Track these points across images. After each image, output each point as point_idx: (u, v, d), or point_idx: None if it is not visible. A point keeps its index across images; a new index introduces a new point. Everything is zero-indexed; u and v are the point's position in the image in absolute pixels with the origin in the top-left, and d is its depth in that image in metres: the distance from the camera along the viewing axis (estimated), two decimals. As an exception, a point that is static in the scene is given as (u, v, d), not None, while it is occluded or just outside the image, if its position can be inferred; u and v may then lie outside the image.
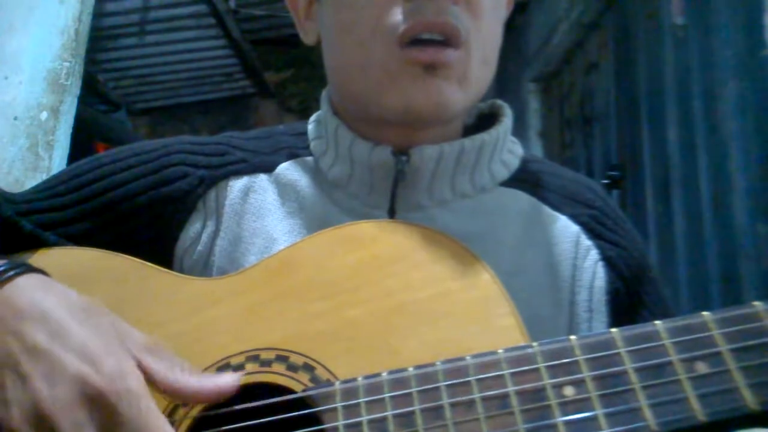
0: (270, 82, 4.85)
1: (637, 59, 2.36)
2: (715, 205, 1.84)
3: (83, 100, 2.04)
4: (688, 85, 2.00)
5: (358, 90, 0.63)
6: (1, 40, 1.86)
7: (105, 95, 4.18)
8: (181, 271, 0.65)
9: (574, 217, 0.67)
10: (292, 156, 0.69)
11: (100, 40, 3.78)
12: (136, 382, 0.45)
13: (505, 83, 3.45)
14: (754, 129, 1.69)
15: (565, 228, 0.66)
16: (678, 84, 2.08)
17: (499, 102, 0.71)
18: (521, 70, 3.28)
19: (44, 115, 1.83)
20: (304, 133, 0.71)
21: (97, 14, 2.82)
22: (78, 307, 0.50)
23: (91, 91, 3.76)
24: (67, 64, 1.88)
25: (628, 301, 0.65)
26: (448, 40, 0.59)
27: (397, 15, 0.59)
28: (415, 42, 0.59)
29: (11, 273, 0.51)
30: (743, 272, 1.69)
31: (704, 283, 1.86)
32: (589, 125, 2.80)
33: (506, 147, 0.69)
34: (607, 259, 0.65)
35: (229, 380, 0.48)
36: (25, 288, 0.50)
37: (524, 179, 0.68)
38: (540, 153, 3.20)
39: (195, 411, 0.52)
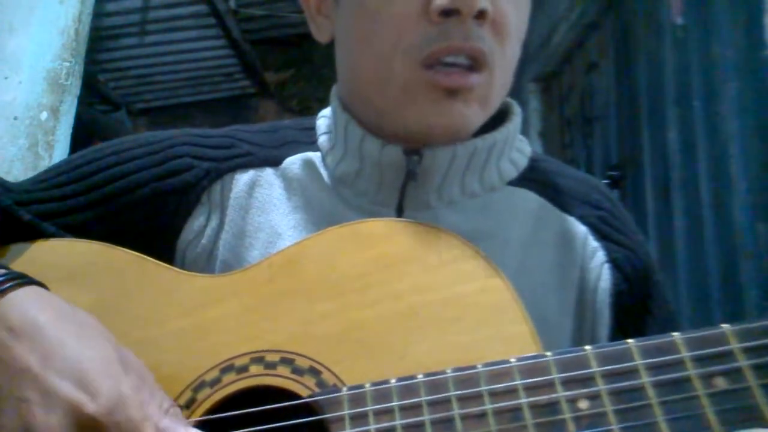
0: (270, 82, 4.85)
1: (637, 59, 2.35)
2: (715, 205, 1.83)
3: (83, 100, 2.04)
4: (688, 85, 2.00)
5: (376, 102, 0.63)
6: (1, 40, 1.85)
7: (105, 95, 4.18)
8: (184, 264, 0.65)
9: (582, 218, 0.66)
10: (299, 150, 0.68)
11: (100, 40, 3.78)
12: (135, 409, 0.44)
13: (504, 83, 3.44)
14: (754, 129, 1.69)
15: (574, 229, 0.66)
16: (678, 84, 2.07)
17: (508, 100, 0.70)
18: (521, 70, 3.27)
19: (44, 115, 1.82)
20: (312, 128, 0.71)
21: (97, 14, 2.81)
22: (73, 324, 0.49)
23: (91, 91, 3.76)
24: (67, 64, 1.87)
25: (632, 304, 0.65)
26: (472, 63, 0.58)
27: (420, 35, 0.57)
28: (438, 63, 0.57)
29: (8, 285, 0.50)
30: (743, 272, 1.68)
31: (704, 283, 1.85)
32: (589, 125, 2.80)
33: (515, 145, 0.68)
34: (613, 261, 0.65)
35: None
36: (20, 303, 0.49)
37: (533, 178, 0.68)
38: (540, 153, 3.19)
39: (197, 414, 0.52)
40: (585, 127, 2.83)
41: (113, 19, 3.76)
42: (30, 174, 1.76)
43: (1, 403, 0.45)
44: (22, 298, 0.50)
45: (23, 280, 0.51)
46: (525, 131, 3.43)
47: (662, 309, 0.66)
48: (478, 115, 0.60)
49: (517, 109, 0.69)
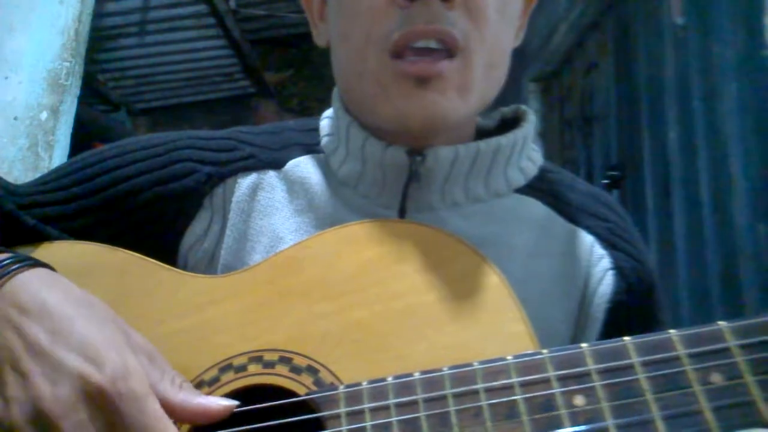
0: (270, 82, 4.85)
1: (637, 59, 2.35)
2: (715, 205, 1.83)
3: (83, 100, 2.04)
4: (688, 85, 2.00)
5: (356, 98, 0.63)
6: (1, 40, 1.85)
7: (105, 95, 4.18)
8: (186, 267, 0.65)
9: (589, 229, 0.66)
10: (302, 152, 0.68)
11: (100, 40, 3.78)
12: (139, 382, 0.44)
13: (505, 83, 3.44)
14: (754, 129, 1.69)
15: (580, 238, 0.65)
16: (678, 84, 2.07)
17: (524, 107, 0.70)
18: (521, 70, 3.28)
19: (44, 115, 1.83)
20: (315, 130, 0.70)
21: (97, 14, 2.82)
22: (82, 303, 0.49)
23: (91, 91, 3.77)
24: (67, 64, 1.88)
25: (629, 317, 0.64)
26: (444, 47, 0.57)
27: (390, 23, 0.57)
28: (410, 51, 0.57)
29: (16, 267, 0.50)
30: (743, 272, 1.68)
31: (704, 283, 1.85)
32: (589, 125, 2.80)
33: (525, 153, 0.68)
34: (619, 269, 0.64)
35: (220, 406, 0.47)
36: (29, 283, 0.49)
37: (540, 188, 0.67)
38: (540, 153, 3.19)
39: None
40: (585, 127, 2.84)
41: (113, 19, 3.76)
42: (30, 174, 1.76)
43: (9, 377, 0.45)
44: (32, 278, 0.50)
45: (31, 262, 0.52)
46: (525, 131, 3.42)
47: (660, 328, 0.65)
48: (455, 103, 0.58)
49: (530, 117, 0.68)
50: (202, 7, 3.78)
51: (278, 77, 4.92)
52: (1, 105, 1.81)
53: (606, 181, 2.36)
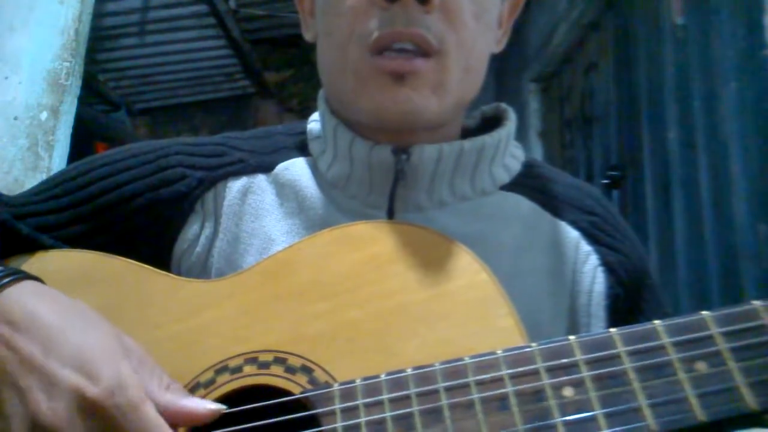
0: (270, 82, 4.86)
1: (637, 59, 2.35)
2: (715, 205, 1.83)
3: (83, 100, 2.04)
4: (688, 85, 2.00)
5: (338, 92, 0.64)
6: (1, 40, 1.85)
7: (105, 95, 4.18)
8: (180, 272, 0.65)
9: (574, 223, 0.67)
10: (290, 156, 0.69)
11: (100, 40, 3.79)
12: (134, 391, 0.45)
13: (505, 83, 3.45)
14: (754, 129, 1.69)
15: (565, 233, 0.66)
16: (678, 84, 2.07)
17: (504, 106, 0.71)
18: (521, 70, 3.28)
19: (44, 115, 1.82)
20: (303, 133, 0.71)
21: (97, 14, 2.82)
22: (72, 312, 0.49)
23: (91, 91, 3.77)
24: (67, 64, 1.88)
25: (627, 308, 0.65)
26: (420, 49, 0.59)
27: (371, 22, 0.59)
28: (388, 50, 0.59)
29: (4, 281, 0.50)
30: (743, 272, 1.68)
31: (704, 283, 1.85)
32: (589, 125, 2.80)
33: (509, 151, 0.69)
34: (606, 264, 0.65)
35: (206, 410, 0.47)
36: (18, 296, 0.50)
37: (525, 184, 0.68)
38: (540, 153, 3.20)
39: None
40: (585, 127, 2.83)
41: (113, 19, 3.77)
42: (30, 174, 1.76)
43: (6, 393, 0.45)
44: (21, 292, 0.50)
45: (20, 275, 0.52)
46: (525, 132, 3.43)
47: (657, 314, 0.66)
48: (429, 100, 0.60)
49: (511, 116, 0.69)
50: (202, 7, 3.79)
51: (278, 77, 4.92)
52: (1, 105, 1.81)
53: (606, 181, 2.36)
